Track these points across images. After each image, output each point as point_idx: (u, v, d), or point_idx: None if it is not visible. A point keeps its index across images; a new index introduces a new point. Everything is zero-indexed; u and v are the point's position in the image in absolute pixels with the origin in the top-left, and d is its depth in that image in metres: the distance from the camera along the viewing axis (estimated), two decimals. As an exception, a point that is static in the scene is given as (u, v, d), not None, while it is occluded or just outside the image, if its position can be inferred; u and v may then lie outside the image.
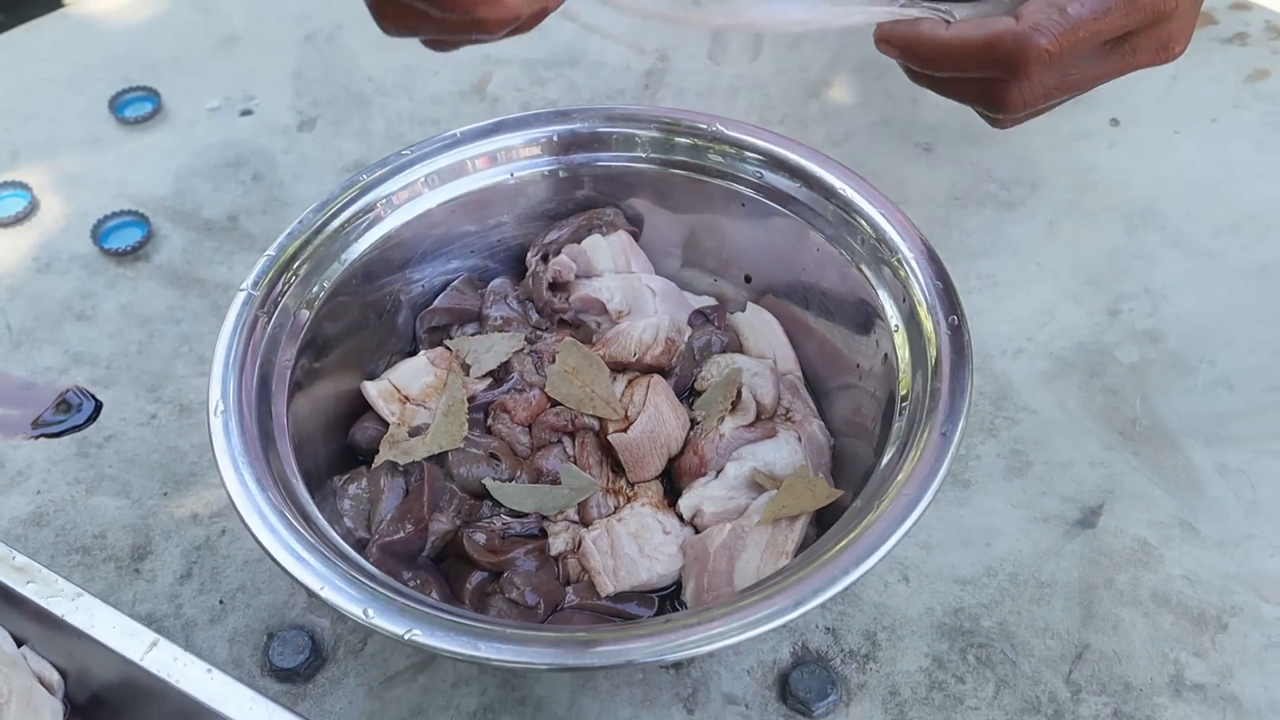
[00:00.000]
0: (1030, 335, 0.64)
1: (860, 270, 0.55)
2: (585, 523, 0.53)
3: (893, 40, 0.47)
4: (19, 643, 0.47)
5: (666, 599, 0.52)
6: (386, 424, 0.55)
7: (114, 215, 0.72)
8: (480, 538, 0.52)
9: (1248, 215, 0.69)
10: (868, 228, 0.55)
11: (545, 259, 0.61)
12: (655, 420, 0.54)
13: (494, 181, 0.60)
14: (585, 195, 0.62)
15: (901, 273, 0.53)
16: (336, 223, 0.56)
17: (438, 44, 0.49)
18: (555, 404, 0.56)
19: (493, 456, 0.54)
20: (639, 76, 0.81)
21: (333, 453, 0.55)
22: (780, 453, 0.54)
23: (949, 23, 0.46)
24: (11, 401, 0.62)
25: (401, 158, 0.58)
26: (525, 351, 0.57)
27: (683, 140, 0.60)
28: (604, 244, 0.61)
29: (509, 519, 0.53)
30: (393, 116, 0.78)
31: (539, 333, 0.59)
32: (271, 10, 0.87)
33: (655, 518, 0.53)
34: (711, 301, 0.62)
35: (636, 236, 0.63)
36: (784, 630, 0.53)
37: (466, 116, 0.76)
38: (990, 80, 0.46)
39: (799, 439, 0.55)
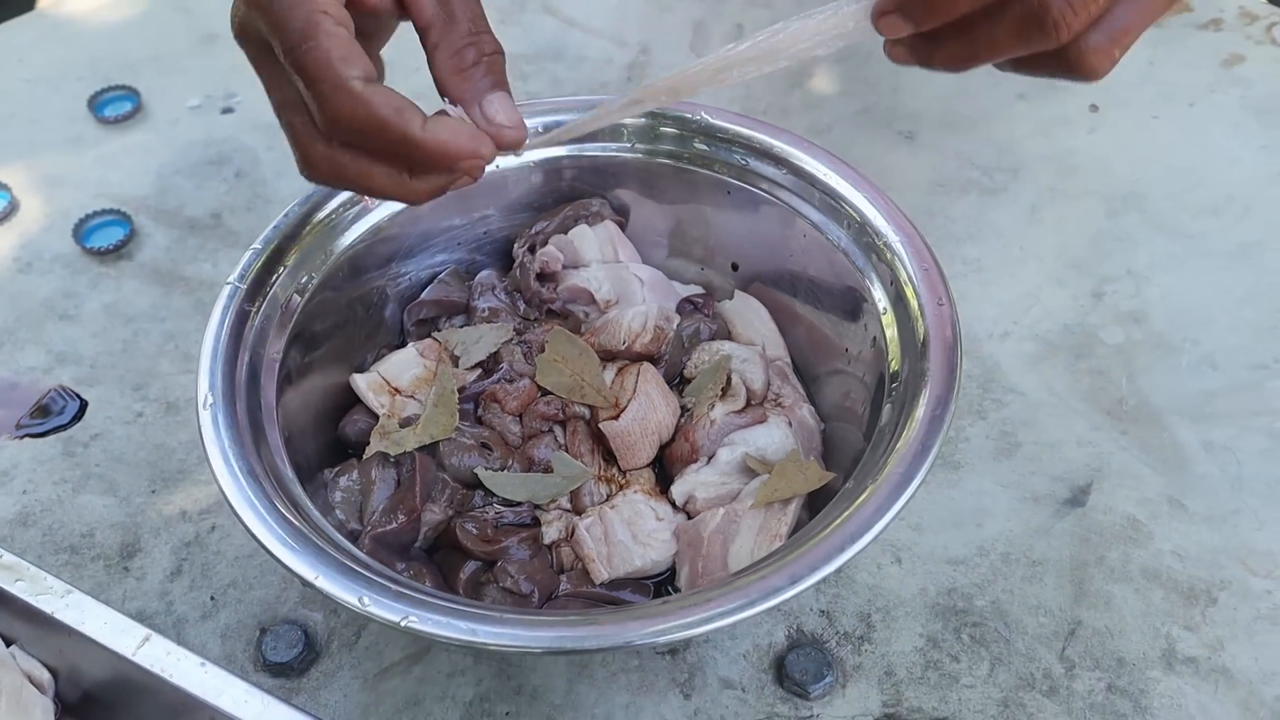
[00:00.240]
0: (1016, 318, 0.65)
1: (847, 255, 0.55)
2: (578, 511, 0.53)
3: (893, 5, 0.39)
4: (8, 642, 0.47)
5: (661, 586, 0.53)
6: (376, 417, 0.55)
7: (95, 214, 0.71)
8: (473, 527, 0.52)
9: (1226, 197, 0.70)
10: (853, 213, 0.55)
11: (532, 250, 0.61)
12: (646, 407, 0.54)
13: (479, 173, 0.59)
14: (571, 186, 0.62)
15: (888, 256, 0.53)
16: (322, 216, 0.55)
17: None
18: (546, 393, 0.56)
19: (484, 446, 0.53)
20: (621, 69, 0.81)
21: (322, 447, 0.55)
22: (771, 438, 0.54)
23: None
24: (-5, 402, 0.62)
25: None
26: (514, 342, 0.57)
27: (668, 130, 0.60)
28: (591, 234, 0.61)
29: (502, 508, 0.53)
30: (375, 112, 0.77)
31: (527, 323, 0.59)
32: (250, 9, 0.87)
33: (648, 504, 0.53)
34: (699, 290, 0.63)
35: (623, 226, 0.63)
36: (779, 613, 0.53)
37: (449, 111, 0.76)
38: None
39: (789, 424, 0.55)
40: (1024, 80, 0.78)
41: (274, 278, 0.53)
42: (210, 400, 0.48)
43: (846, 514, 0.44)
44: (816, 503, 0.52)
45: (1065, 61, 0.40)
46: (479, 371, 0.57)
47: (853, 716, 0.50)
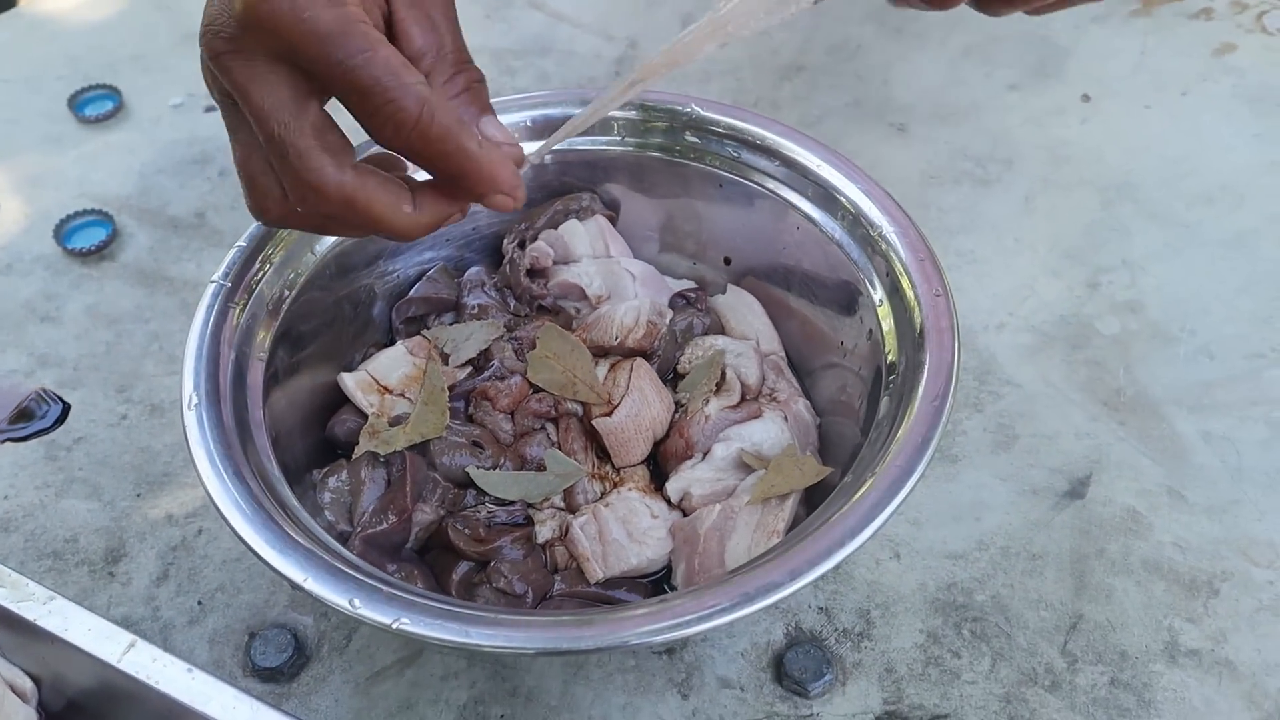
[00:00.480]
0: (1011, 310, 0.64)
1: (841, 247, 0.54)
2: (572, 509, 0.52)
3: None
4: (-11, 650, 0.46)
5: (656, 585, 0.52)
6: (365, 416, 0.54)
7: (77, 215, 0.70)
8: (465, 527, 0.51)
9: (1220, 186, 0.70)
10: (847, 204, 0.54)
11: (522, 245, 0.60)
12: (640, 404, 0.53)
13: (468, 167, 0.59)
14: (561, 181, 0.61)
15: (883, 246, 0.52)
16: (308, 213, 0.54)
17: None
18: (537, 390, 0.55)
19: (476, 444, 0.53)
20: (610, 64, 0.80)
21: (310, 447, 0.54)
22: (767, 433, 0.54)
23: None
24: (-25, 406, 0.61)
25: (373, 147, 0.57)
26: (505, 338, 0.57)
27: (659, 123, 0.59)
28: (581, 229, 0.60)
29: (494, 508, 0.52)
30: (361, 109, 0.77)
31: (518, 320, 0.58)
32: (233, 6, 0.85)
33: (643, 502, 0.52)
34: (692, 285, 0.62)
35: (614, 221, 0.62)
36: (777, 611, 0.52)
37: (436, 107, 0.75)
38: None
39: (785, 419, 0.54)
40: (1016, 71, 0.77)
41: (260, 276, 0.52)
42: (195, 401, 0.47)
43: (845, 508, 0.43)
44: (813, 498, 0.51)
45: None
46: (469, 369, 0.56)
47: (853, 715, 0.49)
